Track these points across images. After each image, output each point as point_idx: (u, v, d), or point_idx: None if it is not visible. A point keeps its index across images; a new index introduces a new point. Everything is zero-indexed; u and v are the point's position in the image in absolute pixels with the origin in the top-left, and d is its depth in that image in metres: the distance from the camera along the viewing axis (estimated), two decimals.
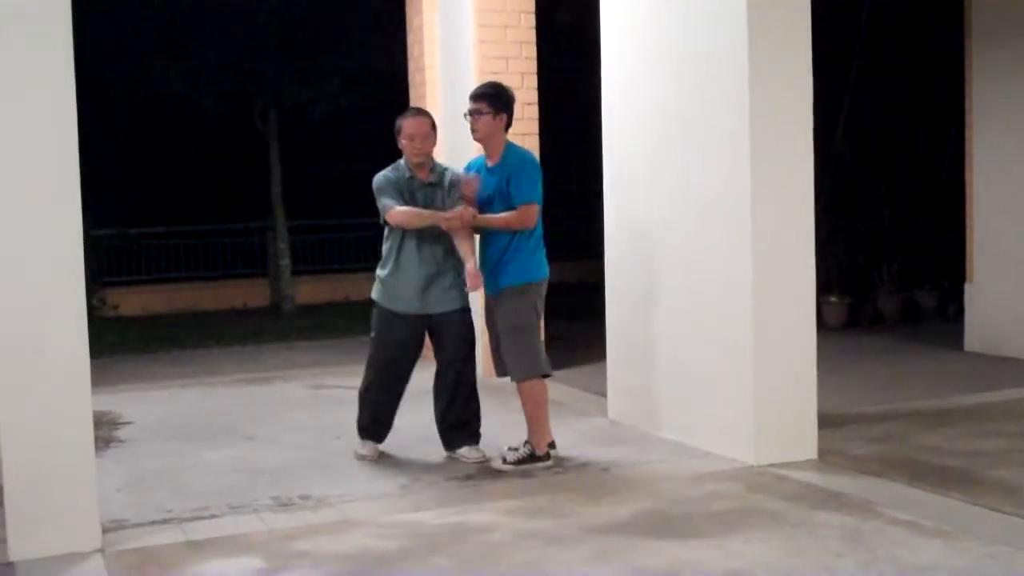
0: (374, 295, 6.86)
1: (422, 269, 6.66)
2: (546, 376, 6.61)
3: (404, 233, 6.64)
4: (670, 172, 7.03)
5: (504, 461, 6.53)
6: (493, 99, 6.63)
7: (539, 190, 6.55)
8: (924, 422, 7.40)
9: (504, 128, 6.65)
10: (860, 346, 10.98)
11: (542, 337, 6.74)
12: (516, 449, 6.59)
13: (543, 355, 6.62)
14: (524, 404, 6.60)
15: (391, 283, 6.73)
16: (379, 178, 6.71)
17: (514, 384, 6.62)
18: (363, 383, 6.92)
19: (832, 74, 11.17)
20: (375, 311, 6.86)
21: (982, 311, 10.22)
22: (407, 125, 6.72)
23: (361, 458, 6.86)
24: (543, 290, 6.67)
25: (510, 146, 6.67)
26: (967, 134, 10.31)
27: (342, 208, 19.13)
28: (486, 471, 6.48)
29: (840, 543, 4.97)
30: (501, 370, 6.73)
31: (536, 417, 6.57)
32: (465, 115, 6.69)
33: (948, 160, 12.40)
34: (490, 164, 6.67)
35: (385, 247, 6.79)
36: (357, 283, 17.73)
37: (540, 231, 6.63)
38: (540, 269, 6.61)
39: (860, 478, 6.07)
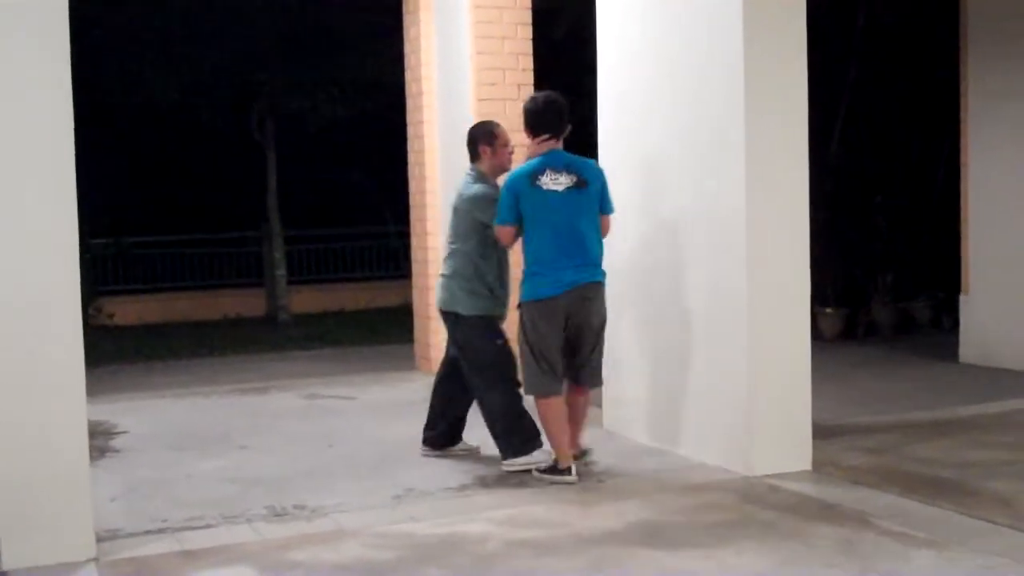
0: (486, 311, 6.72)
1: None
2: (544, 395, 6.46)
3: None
4: (665, 180, 7.04)
5: (536, 469, 6.49)
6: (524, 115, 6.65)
7: (499, 211, 6.47)
8: (918, 433, 7.41)
9: (534, 141, 6.56)
10: (855, 357, 10.99)
11: (545, 356, 6.45)
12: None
13: (534, 376, 6.45)
14: None
15: (502, 293, 6.80)
16: (492, 191, 6.66)
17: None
18: (511, 401, 6.69)
19: (827, 83, 11.19)
20: (487, 324, 6.74)
21: (977, 323, 10.24)
22: (504, 133, 6.86)
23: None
24: (535, 311, 6.40)
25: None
26: (962, 144, 10.34)
27: (338, 217, 19.15)
28: (479, 481, 6.47)
29: (833, 554, 4.97)
30: None
31: (547, 432, 6.50)
32: None
33: (943, 170, 12.42)
34: None
35: (485, 260, 6.69)
36: (353, 293, 17.79)
37: (536, 253, 6.42)
38: (532, 289, 6.42)
39: (854, 489, 6.07)
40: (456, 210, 6.76)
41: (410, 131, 10.75)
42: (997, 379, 9.46)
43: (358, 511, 5.94)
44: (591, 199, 6.49)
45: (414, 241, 10.87)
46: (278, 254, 16.79)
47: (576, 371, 6.60)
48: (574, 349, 6.53)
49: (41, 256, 5.08)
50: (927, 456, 6.79)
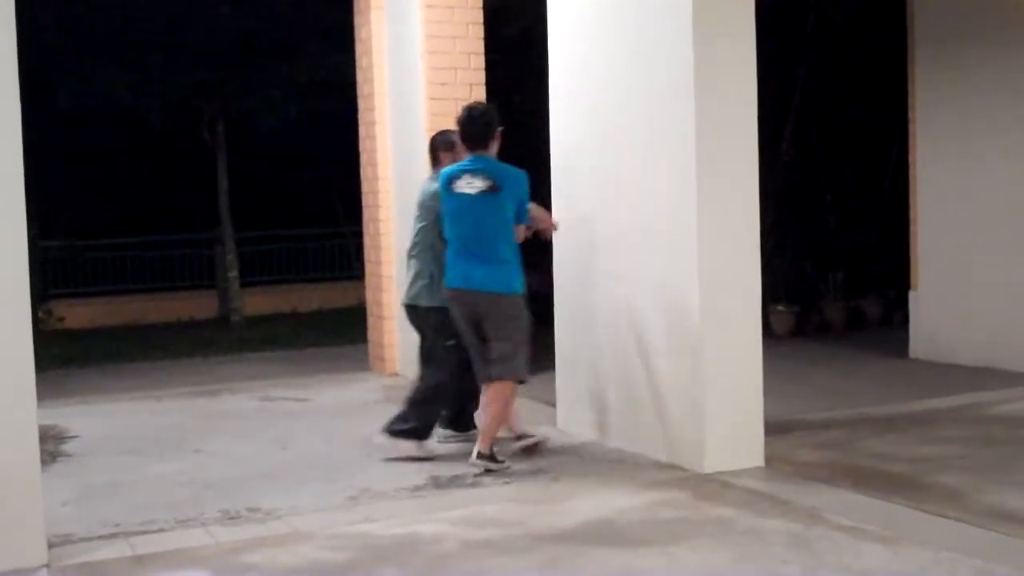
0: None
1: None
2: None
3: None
4: (615, 181, 7.07)
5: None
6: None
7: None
8: (869, 429, 7.48)
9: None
10: (806, 354, 11.06)
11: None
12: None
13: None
14: None
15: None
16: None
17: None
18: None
19: (778, 83, 11.27)
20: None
21: (926, 319, 10.34)
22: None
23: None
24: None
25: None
26: (911, 143, 10.44)
27: (290, 219, 19.06)
28: (434, 481, 6.47)
29: (786, 550, 5.02)
30: None
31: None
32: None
33: (893, 169, 12.55)
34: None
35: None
36: (306, 294, 17.72)
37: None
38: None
39: (806, 485, 6.13)
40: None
41: (362, 131, 10.73)
42: (946, 374, 9.57)
43: (313, 513, 5.92)
44: (501, 204, 6.68)
45: (367, 241, 10.84)
46: (230, 256, 16.67)
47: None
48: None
49: None
50: (878, 451, 6.86)
